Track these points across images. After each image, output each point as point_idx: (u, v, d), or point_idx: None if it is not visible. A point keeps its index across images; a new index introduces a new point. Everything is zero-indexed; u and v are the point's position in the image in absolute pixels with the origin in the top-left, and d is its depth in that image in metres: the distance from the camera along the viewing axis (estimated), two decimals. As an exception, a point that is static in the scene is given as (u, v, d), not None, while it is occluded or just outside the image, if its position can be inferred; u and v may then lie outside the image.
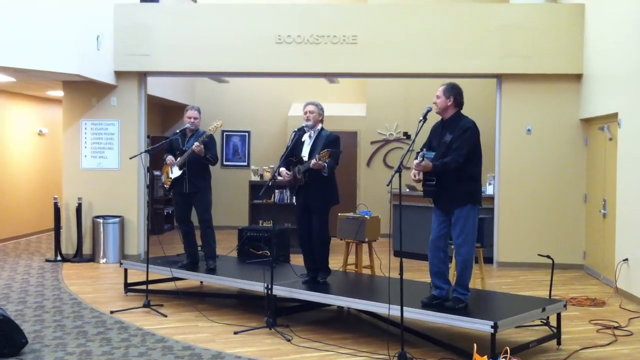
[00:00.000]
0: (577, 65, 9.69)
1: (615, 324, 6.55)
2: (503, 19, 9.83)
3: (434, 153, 5.58)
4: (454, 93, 5.68)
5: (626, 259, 7.88)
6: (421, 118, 5.55)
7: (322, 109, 6.73)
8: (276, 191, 11.15)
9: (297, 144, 6.71)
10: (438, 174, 5.53)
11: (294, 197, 6.90)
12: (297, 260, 7.85)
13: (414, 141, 5.54)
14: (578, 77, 9.77)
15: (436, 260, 5.75)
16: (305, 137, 6.70)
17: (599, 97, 9.05)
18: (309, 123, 6.62)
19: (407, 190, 10.54)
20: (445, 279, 5.78)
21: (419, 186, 6.41)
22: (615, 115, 8.38)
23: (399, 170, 5.38)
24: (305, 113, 6.66)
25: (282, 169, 6.72)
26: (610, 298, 7.76)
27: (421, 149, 5.55)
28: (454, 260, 7.10)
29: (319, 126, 6.69)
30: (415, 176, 5.61)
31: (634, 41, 7.82)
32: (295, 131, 6.72)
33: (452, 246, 5.81)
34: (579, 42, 9.66)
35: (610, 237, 8.52)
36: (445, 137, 5.58)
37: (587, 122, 9.75)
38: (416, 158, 5.46)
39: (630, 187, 7.87)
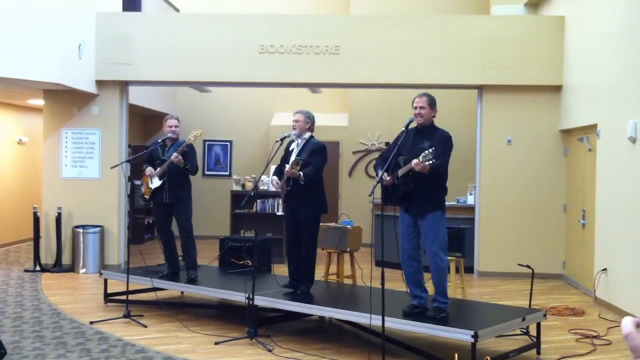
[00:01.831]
0: (557, 76, 9.80)
1: (594, 334, 6.59)
2: (484, 31, 9.93)
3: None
4: (435, 104, 5.79)
5: (605, 269, 7.95)
6: (403, 129, 5.61)
7: (309, 118, 6.74)
8: (258, 201, 11.14)
9: (287, 152, 6.74)
10: (416, 178, 5.51)
11: (283, 206, 6.89)
12: (279, 269, 7.84)
13: (394, 152, 5.56)
14: (558, 89, 9.87)
15: (412, 270, 5.76)
16: (293, 146, 6.73)
17: (579, 108, 9.16)
18: (295, 132, 6.66)
19: (389, 200, 10.56)
20: (422, 287, 5.80)
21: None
22: (594, 126, 8.48)
23: (380, 181, 5.41)
24: (292, 122, 6.71)
25: (274, 177, 6.75)
26: (590, 307, 7.82)
27: (424, 151, 5.41)
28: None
29: (307, 134, 6.71)
30: (386, 177, 5.56)
31: (613, 53, 7.93)
32: (277, 141, 6.72)
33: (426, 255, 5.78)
34: (559, 54, 9.77)
35: (589, 247, 8.60)
36: (423, 144, 5.59)
37: (566, 133, 9.85)
38: (418, 157, 5.34)
39: (609, 198, 7.96)
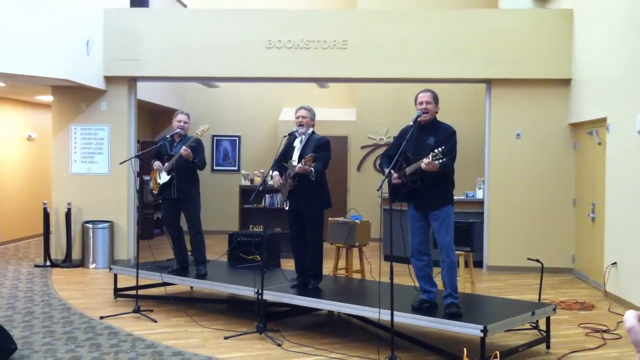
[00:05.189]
0: (565, 70, 9.75)
1: (604, 328, 6.58)
2: (492, 25, 9.89)
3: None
4: (438, 100, 5.79)
5: (615, 263, 7.92)
6: (412, 123, 5.60)
7: (314, 114, 6.74)
8: (266, 196, 11.15)
9: (288, 148, 6.71)
10: (424, 175, 5.50)
11: (286, 202, 6.83)
12: (288, 264, 7.85)
13: (403, 146, 5.54)
14: (567, 82, 9.82)
15: (422, 265, 5.76)
16: (296, 142, 6.70)
17: (588, 102, 9.12)
18: (302, 129, 6.63)
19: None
20: (432, 282, 5.81)
21: None
22: (604, 120, 8.44)
23: (389, 175, 5.40)
24: (298, 118, 6.65)
25: (275, 173, 6.71)
26: (599, 302, 7.80)
27: (433, 150, 5.33)
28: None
29: (310, 130, 6.68)
30: (395, 177, 5.57)
31: (622, 46, 7.88)
32: (285, 135, 6.72)
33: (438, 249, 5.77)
34: (567, 48, 9.72)
35: (599, 241, 8.57)
36: (428, 141, 5.58)
37: (576, 126, 9.81)
38: (428, 157, 5.27)
39: (619, 192, 7.92)
